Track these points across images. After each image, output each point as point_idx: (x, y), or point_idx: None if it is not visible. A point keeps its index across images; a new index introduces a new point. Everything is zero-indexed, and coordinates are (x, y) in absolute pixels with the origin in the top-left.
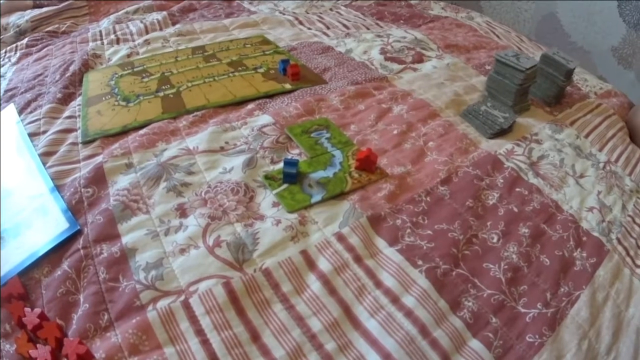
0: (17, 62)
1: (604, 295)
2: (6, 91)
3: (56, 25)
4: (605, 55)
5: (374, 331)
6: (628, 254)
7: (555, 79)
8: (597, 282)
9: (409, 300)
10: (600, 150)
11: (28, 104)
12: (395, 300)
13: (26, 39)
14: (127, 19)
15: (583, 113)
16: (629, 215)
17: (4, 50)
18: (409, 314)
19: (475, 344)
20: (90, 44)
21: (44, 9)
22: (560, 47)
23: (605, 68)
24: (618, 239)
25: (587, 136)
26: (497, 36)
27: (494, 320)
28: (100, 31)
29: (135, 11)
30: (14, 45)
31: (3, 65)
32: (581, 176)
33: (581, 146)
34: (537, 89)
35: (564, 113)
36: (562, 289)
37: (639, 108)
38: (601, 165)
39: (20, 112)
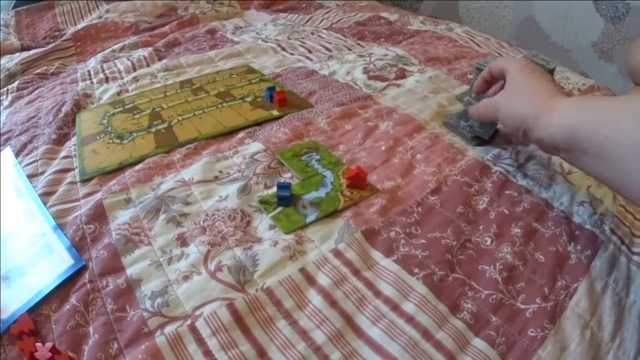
0: (9, 106)
1: (603, 285)
2: (1, 135)
3: (45, 67)
4: (585, 52)
5: (378, 338)
6: (623, 242)
7: None
8: (594, 273)
9: (408, 307)
10: None
11: (24, 146)
12: (395, 307)
13: (16, 82)
14: (113, 57)
15: None
16: (621, 205)
17: None
18: (410, 319)
19: (478, 342)
20: (80, 84)
21: (32, 52)
22: (541, 48)
23: (586, 64)
24: (611, 229)
25: None
26: (477, 44)
27: (494, 319)
28: (89, 71)
29: (122, 49)
30: (5, 89)
31: None
32: (569, 173)
33: None
34: None
35: None
36: (560, 283)
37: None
38: None
39: (17, 155)
